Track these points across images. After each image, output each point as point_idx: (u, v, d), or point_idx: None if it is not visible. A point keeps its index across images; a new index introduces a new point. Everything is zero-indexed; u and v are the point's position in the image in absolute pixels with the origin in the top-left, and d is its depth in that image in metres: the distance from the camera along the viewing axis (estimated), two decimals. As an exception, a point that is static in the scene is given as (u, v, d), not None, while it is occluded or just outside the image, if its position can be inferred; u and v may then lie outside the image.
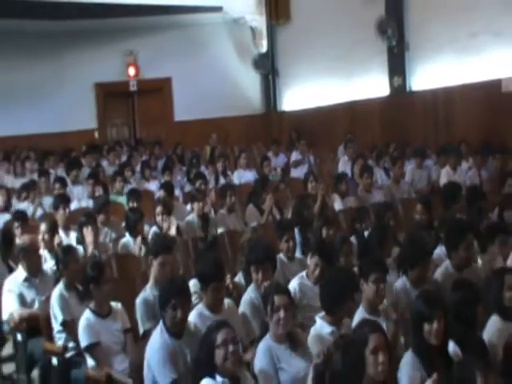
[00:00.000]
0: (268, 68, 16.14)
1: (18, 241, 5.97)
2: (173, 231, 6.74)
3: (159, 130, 15.34)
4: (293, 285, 5.02)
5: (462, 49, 11.23)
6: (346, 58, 13.56)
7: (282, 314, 3.91)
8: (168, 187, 8.42)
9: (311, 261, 5.07)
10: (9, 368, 5.80)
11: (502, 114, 10.45)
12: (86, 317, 4.63)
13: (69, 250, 5.47)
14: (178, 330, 4.10)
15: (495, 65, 10.70)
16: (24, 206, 8.40)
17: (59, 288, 5.13)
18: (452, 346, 3.78)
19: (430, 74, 12.06)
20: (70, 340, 4.90)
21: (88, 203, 8.45)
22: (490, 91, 10.69)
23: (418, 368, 3.58)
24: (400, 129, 12.20)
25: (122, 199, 8.55)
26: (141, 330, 4.75)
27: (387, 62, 12.86)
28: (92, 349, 4.55)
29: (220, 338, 3.58)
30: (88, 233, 6.30)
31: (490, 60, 10.80)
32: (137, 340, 4.72)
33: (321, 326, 4.19)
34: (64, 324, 4.95)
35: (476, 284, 4.29)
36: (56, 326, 5.04)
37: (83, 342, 4.56)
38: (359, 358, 3.25)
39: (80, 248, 6.18)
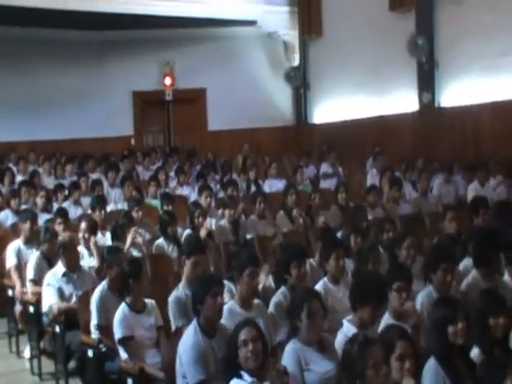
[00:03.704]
0: (299, 81, 16.36)
1: (59, 237, 6.18)
2: (203, 234, 6.88)
3: (193, 139, 15.62)
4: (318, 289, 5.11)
5: (490, 67, 11.31)
6: (376, 74, 13.71)
7: (317, 318, 3.95)
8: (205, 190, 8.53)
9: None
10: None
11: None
12: (122, 310, 4.75)
13: (115, 250, 5.56)
14: (215, 322, 4.17)
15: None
16: (65, 205, 8.63)
17: (102, 287, 5.22)
18: (474, 352, 3.87)
19: (459, 91, 12.16)
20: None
21: (124, 206, 8.65)
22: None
23: (441, 374, 3.59)
24: (429, 144, 12.28)
25: (156, 203, 8.78)
26: (173, 327, 4.83)
27: (417, 78, 12.98)
28: (125, 341, 4.66)
29: (242, 337, 3.62)
30: (128, 234, 6.58)
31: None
32: (168, 337, 4.81)
33: (347, 329, 4.22)
34: (98, 328, 5.08)
35: (501, 294, 4.28)
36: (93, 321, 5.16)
37: (117, 334, 4.68)
38: (372, 355, 3.27)
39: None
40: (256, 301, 4.73)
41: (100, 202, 7.76)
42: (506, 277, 5.32)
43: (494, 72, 11.31)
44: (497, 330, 3.94)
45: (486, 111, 11.44)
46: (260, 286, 5.18)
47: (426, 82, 12.80)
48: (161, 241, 6.93)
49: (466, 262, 5.66)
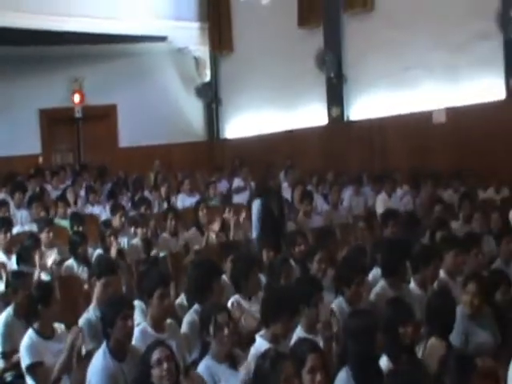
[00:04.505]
0: (211, 97, 16.41)
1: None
2: (113, 253, 6.80)
3: (104, 156, 15.33)
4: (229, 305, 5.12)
5: (395, 82, 11.76)
6: (287, 89, 13.93)
7: (225, 331, 4.00)
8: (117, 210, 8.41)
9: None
10: None
11: (432, 143, 10.95)
12: (30, 336, 4.57)
13: (20, 275, 5.40)
14: (126, 344, 4.12)
15: (426, 97, 11.23)
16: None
17: (7, 313, 5.07)
18: (382, 360, 3.94)
19: (366, 105, 12.53)
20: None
21: (31, 227, 8.40)
22: (421, 122, 11.22)
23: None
24: (338, 157, 12.56)
25: (65, 223, 8.56)
26: (83, 351, 4.67)
27: (326, 93, 13.27)
28: (33, 369, 4.50)
29: (155, 356, 3.60)
30: (37, 255, 6.35)
31: (422, 93, 11.34)
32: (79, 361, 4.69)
33: (260, 345, 4.22)
34: (3, 356, 4.92)
35: (408, 303, 4.43)
36: (-3, 349, 4.99)
37: (25, 361, 4.51)
38: (284, 370, 3.31)
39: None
40: (169, 321, 4.69)
41: (5, 223, 7.49)
42: (412, 284, 5.48)
43: (399, 86, 11.74)
44: (406, 338, 4.05)
45: (391, 124, 11.83)
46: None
47: (335, 97, 13.11)
48: (70, 262, 6.77)
49: (375, 272, 5.79)
